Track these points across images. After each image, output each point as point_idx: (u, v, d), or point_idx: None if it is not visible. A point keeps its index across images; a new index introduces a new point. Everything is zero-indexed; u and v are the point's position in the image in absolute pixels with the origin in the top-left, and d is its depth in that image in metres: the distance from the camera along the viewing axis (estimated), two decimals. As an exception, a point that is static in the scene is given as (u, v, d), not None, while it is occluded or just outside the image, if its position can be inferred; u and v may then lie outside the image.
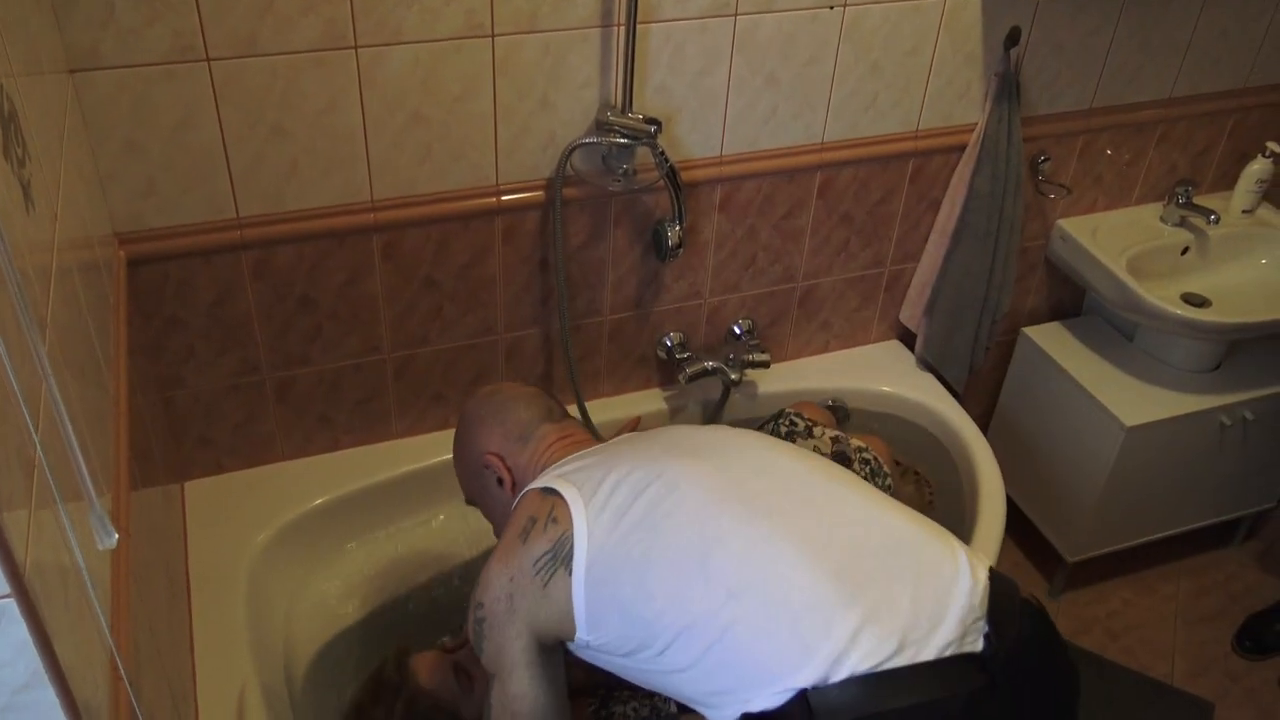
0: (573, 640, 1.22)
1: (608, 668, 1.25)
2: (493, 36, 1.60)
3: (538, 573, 1.21)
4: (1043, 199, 2.23)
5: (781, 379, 2.17)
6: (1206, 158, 2.35)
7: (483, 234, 1.78)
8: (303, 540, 1.81)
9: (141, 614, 1.16)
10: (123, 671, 0.91)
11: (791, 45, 1.80)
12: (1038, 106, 2.08)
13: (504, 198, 1.76)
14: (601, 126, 1.74)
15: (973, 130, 2.03)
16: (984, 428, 2.13)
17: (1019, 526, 2.48)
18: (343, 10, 1.50)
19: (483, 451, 1.42)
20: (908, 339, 2.30)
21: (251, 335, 1.73)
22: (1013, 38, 1.92)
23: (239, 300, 1.69)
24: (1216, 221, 2.23)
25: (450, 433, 1.95)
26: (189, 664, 1.52)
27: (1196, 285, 2.30)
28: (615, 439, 1.40)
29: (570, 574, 1.19)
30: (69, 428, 0.84)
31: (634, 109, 1.73)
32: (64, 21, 1.38)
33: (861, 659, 1.08)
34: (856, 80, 1.89)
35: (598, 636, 1.20)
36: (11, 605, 0.73)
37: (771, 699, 1.09)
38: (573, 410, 2.02)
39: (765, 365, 2.10)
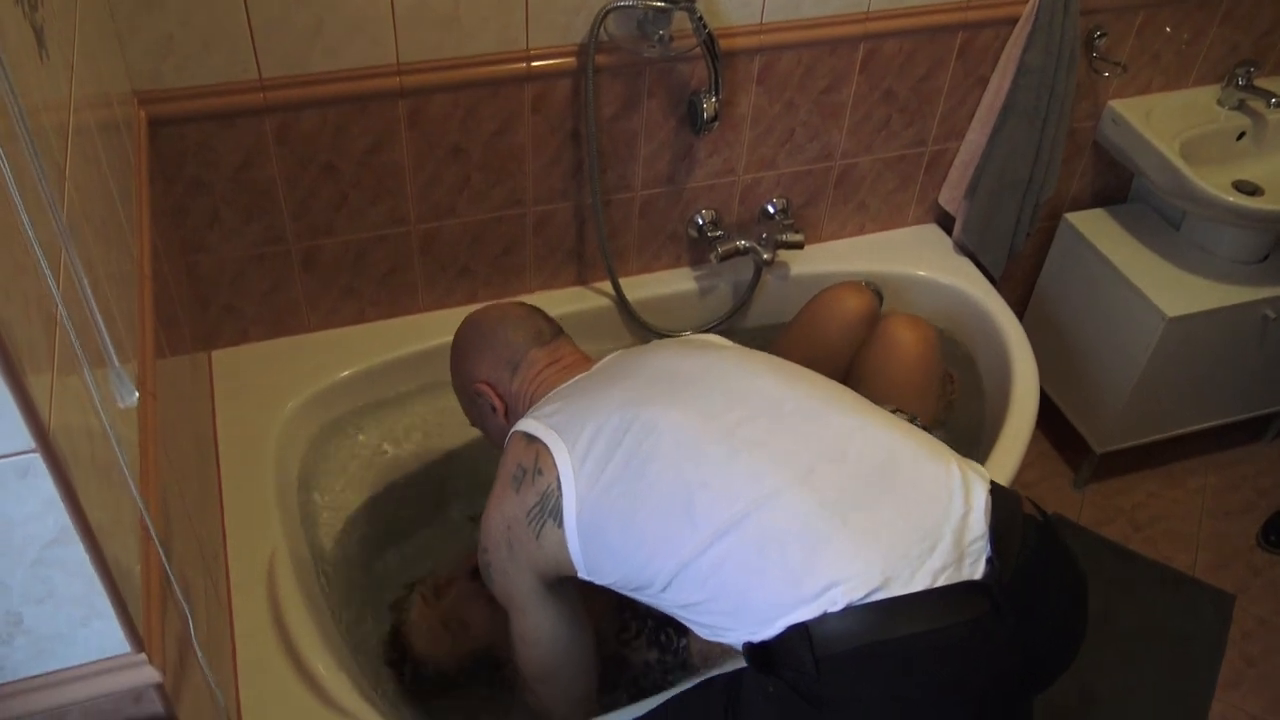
0: (576, 577, 1.25)
1: (622, 594, 1.26)
2: (525, -112, 1.51)
3: (530, 523, 1.23)
4: (1095, 78, 2.13)
5: (815, 260, 2.12)
6: (1271, 37, 2.23)
7: (512, 101, 1.72)
8: (330, 410, 1.82)
9: (170, 476, 1.16)
10: (152, 530, 0.91)
11: (840, -96, 1.70)
12: (1097, -23, 1.97)
13: (534, 64, 1.69)
14: (637, -11, 1.66)
15: (1026, 2, 1.92)
16: (1019, 315, 2.08)
17: (1048, 416, 2.45)
18: None
19: (474, 380, 1.44)
20: (945, 223, 2.24)
21: (276, 202, 1.70)
22: (1076, -100, 1.80)
23: (263, 165, 1.65)
24: (1277, 105, 2.13)
25: (477, 307, 1.95)
26: (219, 527, 1.54)
27: (1250, 172, 2.21)
28: (601, 364, 1.38)
29: (561, 526, 1.20)
30: (86, 286, 0.81)
31: (672, -30, 1.64)
32: None
33: (854, 588, 1.06)
34: (907, -56, 1.79)
35: (599, 577, 1.22)
36: (38, 460, 0.72)
37: (771, 631, 1.09)
38: (606, 287, 2.00)
39: (799, 246, 2.04)
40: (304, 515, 1.69)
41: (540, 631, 1.30)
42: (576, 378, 1.36)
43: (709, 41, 1.68)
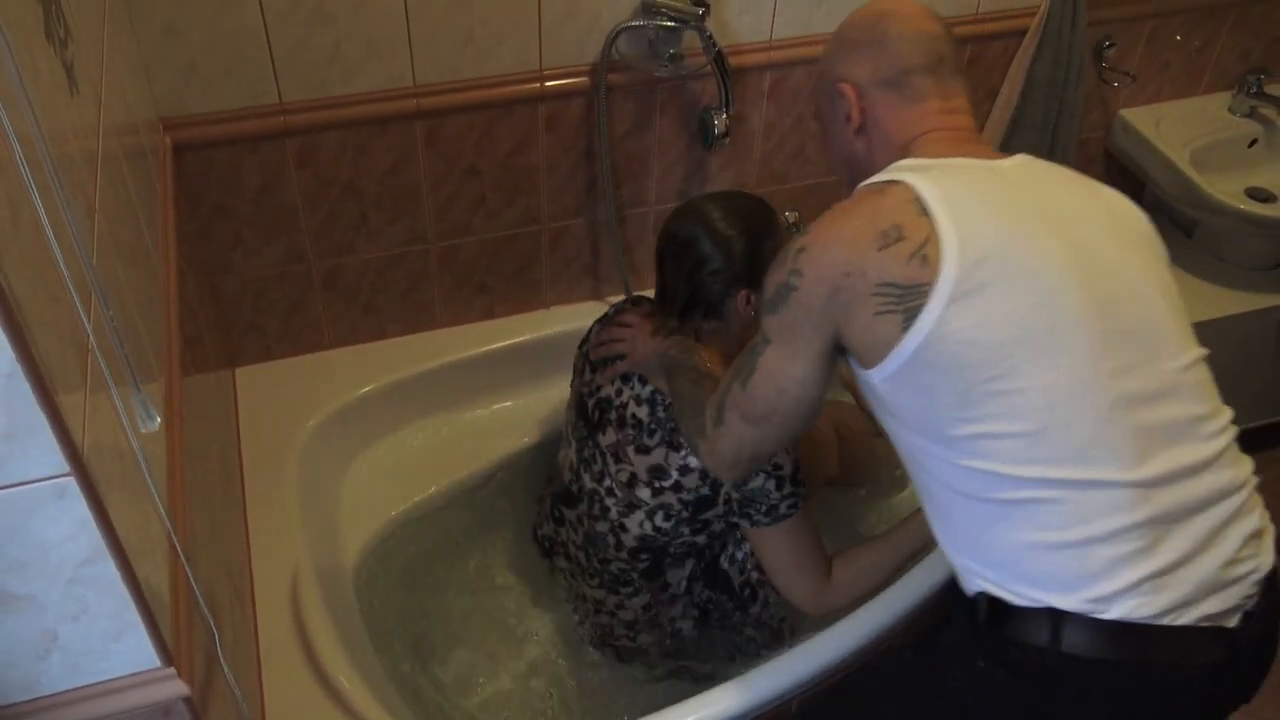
0: (865, 370, 1.09)
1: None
2: (536, -87, 1.55)
3: (876, 293, 1.04)
4: (1105, 87, 2.14)
5: (828, 272, 2.14)
6: (1282, 44, 2.24)
7: (526, 121, 1.76)
8: (351, 427, 1.85)
9: (197, 495, 1.20)
10: (179, 548, 0.94)
11: (847, -78, 1.73)
12: (1105, -12, 1.99)
13: (548, 83, 1.72)
14: (647, 9, 1.69)
15: (1035, 14, 1.94)
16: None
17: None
18: (382, -115, 1.45)
19: (840, 77, 1.21)
20: (958, 233, 2.25)
21: (298, 223, 1.74)
22: (1082, -87, 1.82)
23: (285, 187, 1.69)
24: (1289, 112, 2.14)
25: (495, 324, 1.99)
26: (244, 543, 1.57)
27: (1263, 179, 2.22)
28: (1012, 170, 1.14)
29: (903, 330, 1.03)
30: (115, 315, 0.85)
31: (682, -9, 1.67)
32: (100, -102, 1.35)
33: (1131, 610, 1.03)
34: (915, -40, 1.81)
35: (888, 391, 1.08)
36: (72, 484, 0.75)
37: (1025, 600, 1.06)
38: (618, 300, 2.02)
39: (811, 258, 2.06)
40: (327, 530, 1.72)
41: (794, 382, 1.13)
42: (979, 161, 1.13)
43: (719, 59, 1.70)
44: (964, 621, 1.14)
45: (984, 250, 1.03)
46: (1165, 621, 1.03)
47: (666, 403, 1.49)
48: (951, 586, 1.19)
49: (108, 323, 0.85)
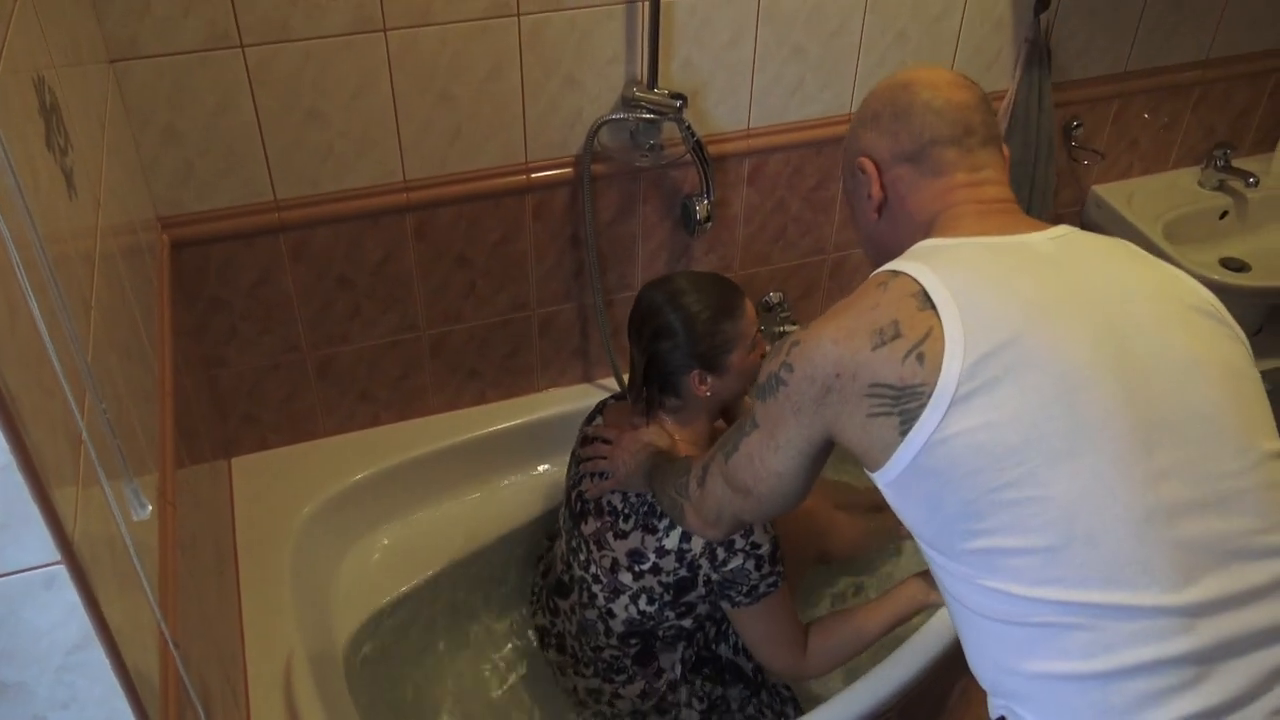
0: (871, 473, 1.03)
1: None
2: (519, 15, 1.62)
3: (869, 395, 0.97)
4: (1076, 165, 2.21)
5: (814, 350, 2.18)
6: (1246, 120, 2.31)
7: (513, 211, 1.81)
8: (346, 513, 1.87)
9: (189, 584, 1.22)
10: (169, 636, 0.96)
11: (817, 16, 1.80)
12: (1070, 71, 2.06)
13: (533, 175, 1.78)
14: (628, 102, 1.76)
15: (1003, 98, 2.01)
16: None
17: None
18: (371, -6, 1.53)
19: (860, 152, 1.15)
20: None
21: (292, 315, 1.78)
22: (1042, 3, 1.90)
23: (279, 281, 1.74)
24: (1256, 184, 2.20)
25: (486, 409, 2.02)
26: (238, 632, 1.58)
27: (1235, 249, 2.27)
28: (1045, 246, 1.03)
29: (901, 435, 0.95)
30: (107, 408, 0.88)
31: (660, 84, 1.74)
32: (103, 14, 1.42)
33: None
34: (884, 49, 1.89)
35: (894, 498, 1.02)
36: (62, 571, 0.77)
37: None
38: (610, 384, 2.06)
39: (797, 337, 2.10)
40: (321, 617, 1.73)
41: (772, 473, 1.10)
42: (1005, 238, 1.04)
43: (698, 148, 1.77)
44: None
45: (994, 343, 0.93)
46: None
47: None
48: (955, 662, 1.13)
49: (100, 416, 0.88)
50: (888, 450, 0.97)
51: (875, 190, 1.13)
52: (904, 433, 0.95)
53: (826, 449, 1.07)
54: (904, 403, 0.95)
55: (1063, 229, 1.06)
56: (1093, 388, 0.92)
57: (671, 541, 1.46)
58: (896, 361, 0.95)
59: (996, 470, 0.92)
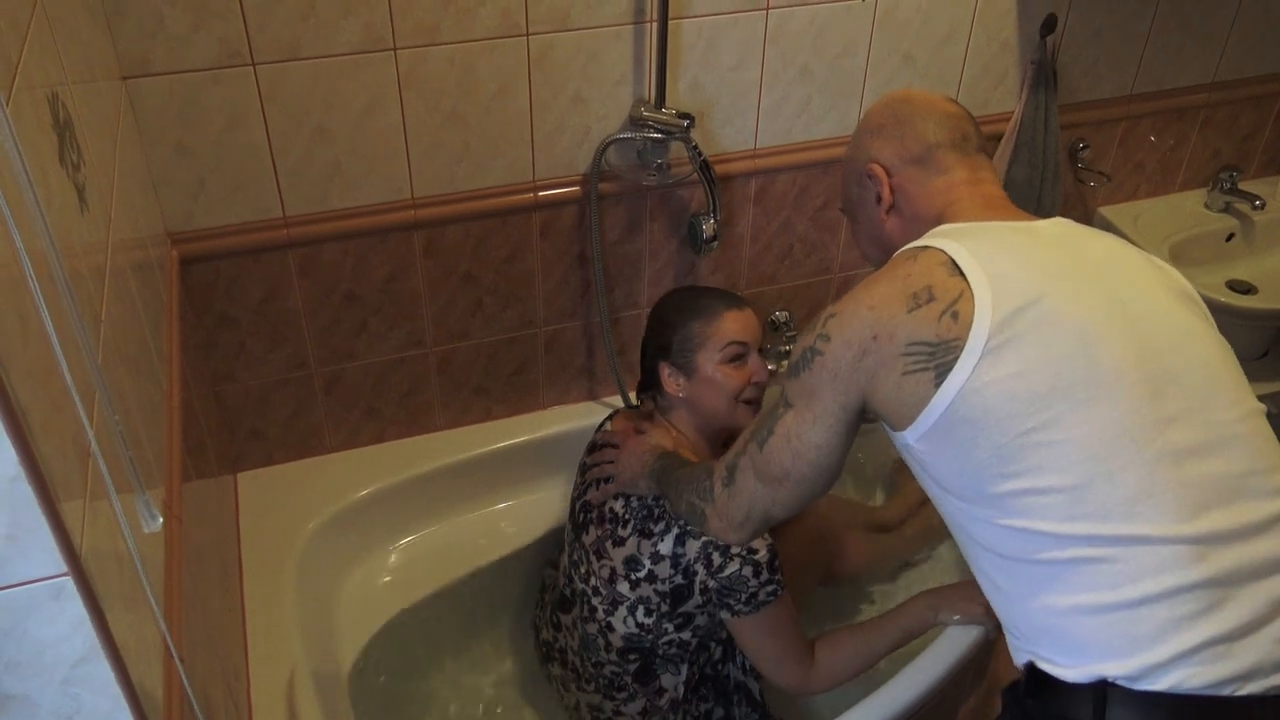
0: (897, 431, 1.10)
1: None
2: (527, 35, 1.63)
3: (906, 354, 1.05)
4: (1082, 187, 2.21)
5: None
6: (1252, 142, 2.32)
7: (521, 229, 1.82)
8: (351, 529, 1.87)
9: (195, 598, 1.22)
10: (173, 650, 0.96)
11: (824, 37, 1.82)
12: (1076, 93, 2.07)
13: (541, 193, 1.79)
14: (635, 122, 1.77)
15: (1009, 119, 2.02)
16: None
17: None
18: (381, 13, 1.54)
19: (869, 159, 1.25)
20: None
21: (299, 331, 1.79)
22: (1048, 25, 1.91)
23: (287, 297, 1.75)
24: (1262, 207, 2.21)
25: (492, 425, 2.02)
26: (242, 646, 1.58)
27: (1242, 272, 2.27)
28: (1046, 230, 1.14)
29: (936, 387, 1.03)
30: (117, 421, 0.88)
31: (667, 104, 1.75)
32: (116, 32, 1.44)
33: (1187, 678, 0.97)
34: (890, 71, 1.90)
35: (924, 451, 1.08)
36: (69, 584, 0.78)
37: (1071, 672, 1.02)
38: (616, 402, 2.06)
39: (803, 356, 2.11)
40: (325, 633, 1.72)
41: (819, 453, 1.14)
42: (1012, 222, 1.15)
43: (705, 167, 1.78)
44: (1009, 698, 1.12)
45: (1019, 302, 1.02)
46: (1226, 693, 0.96)
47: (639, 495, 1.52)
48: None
49: (114, 429, 0.88)
50: (921, 404, 1.04)
51: (886, 193, 1.23)
52: (939, 384, 1.02)
53: (859, 418, 1.13)
54: (940, 357, 1.03)
55: (1058, 219, 1.17)
56: (1107, 343, 1.02)
57: (666, 546, 1.46)
58: (933, 320, 1.03)
59: (1027, 415, 1.00)
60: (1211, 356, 1.07)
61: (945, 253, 1.07)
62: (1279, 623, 0.99)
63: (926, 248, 1.10)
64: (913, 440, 1.07)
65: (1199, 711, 0.97)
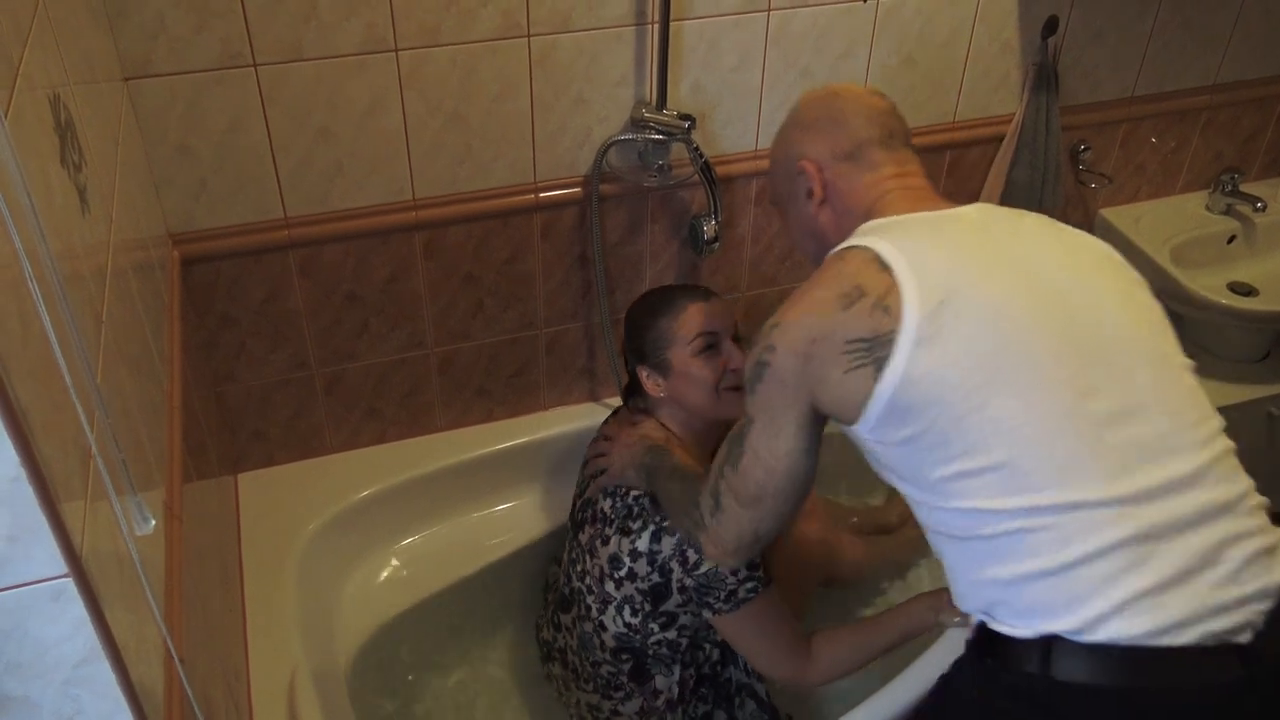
0: (850, 426, 1.13)
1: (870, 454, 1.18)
2: (528, 37, 1.64)
3: (846, 351, 1.09)
4: (1083, 189, 2.21)
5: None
6: (1254, 144, 2.32)
7: (522, 230, 1.82)
8: (352, 530, 1.87)
9: (195, 599, 1.22)
10: (173, 650, 0.96)
11: (825, 39, 1.82)
12: (1077, 95, 2.07)
13: (542, 195, 1.79)
14: (636, 123, 1.77)
15: (1010, 121, 2.02)
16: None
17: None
18: (382, 14, 1.54)
19: (800, 156, 1.29)
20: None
21: (300, 331, 1.79)
22: (1050, 27, 1.91)
23: (288, 298, 1.75)
24: (1264, 209, 2.20)
25: (493, 426, 2.02)
26: (242, 647, 1.58)
27: (1243, 274, 2.27)
28: (968, 215, 1.20)
29: (876, 380, 1.07)
30: (109, 423, 0.89)
31: (668, 105, 1.76)
32: (118, 33, 1.44)
33: (1123, 629, 1.01)
34: (892, 73, 1.90)
35: (877, 444, 1.13)
36: (70, 585, 0.78)
37: (1021, 630, 1.07)
38: (617, 403, 2.06)
39: (803, 357, 2.11)
40: (325, 633, 1.73)
41: (789, 460, 1.17)
42: (937, 212, 1.20)
43: (706, 169, 1.78)
44: (964, 658, 1.17)
45: (943, 293, 1.07)
46: (1163, 642, 1.01)
47: (623, 491, 1.52)
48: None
49: (109, 430, 0.89)
50: (865, 397, 1.09)
51: (817, 189, 1.27)
52: (878, 378, 1.07)
53: (819, 420, 1.17)
54: (876, 351, 1.07)
55: (981, 205, 1.22)
56: (1030, 322, 1.07)
57: (643, 543, 1.47)
58: (865, 315, 1.08)
59: (959, 401, 1.05)
60: (1131, 323, 1.12)
61: (872, 249, 1.12)
62: (1209, 573, 1.03)
63: (854, 247, 1.15)
64: (865, 433, 1.12)
65: (1136, 660, 1.02)
